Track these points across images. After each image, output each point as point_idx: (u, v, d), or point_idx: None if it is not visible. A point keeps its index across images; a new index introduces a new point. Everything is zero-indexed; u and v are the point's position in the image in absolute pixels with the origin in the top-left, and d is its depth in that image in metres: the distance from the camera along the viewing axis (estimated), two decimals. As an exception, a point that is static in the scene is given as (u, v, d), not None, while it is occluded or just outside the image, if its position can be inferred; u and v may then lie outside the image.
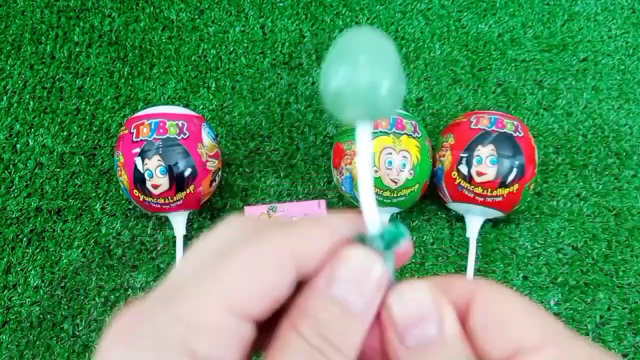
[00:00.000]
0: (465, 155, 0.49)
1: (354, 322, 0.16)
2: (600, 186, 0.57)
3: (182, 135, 0.47)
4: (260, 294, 0.15)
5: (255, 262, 0.16)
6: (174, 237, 0.52)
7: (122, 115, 0.59)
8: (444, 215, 0.55)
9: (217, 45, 0.63)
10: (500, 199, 0.48)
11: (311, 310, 0.16)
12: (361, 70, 0.16)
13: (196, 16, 0.65)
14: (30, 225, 0.54)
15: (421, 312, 0.16)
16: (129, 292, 0.51)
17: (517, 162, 0.48)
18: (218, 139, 0.56)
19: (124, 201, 0.55)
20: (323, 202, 0.52)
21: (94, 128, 0.59)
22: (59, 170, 0.56)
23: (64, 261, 0.53)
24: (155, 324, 0.15)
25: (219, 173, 0.52)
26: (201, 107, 0.60)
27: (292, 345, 0.16)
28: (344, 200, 0.56)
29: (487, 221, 0.55)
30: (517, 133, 0.49)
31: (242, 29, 0.64)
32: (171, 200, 0.48)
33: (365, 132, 0.17)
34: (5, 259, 0.53)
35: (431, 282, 0.17)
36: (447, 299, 0.17)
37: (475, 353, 0.17)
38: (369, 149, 0.17)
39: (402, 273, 0.53)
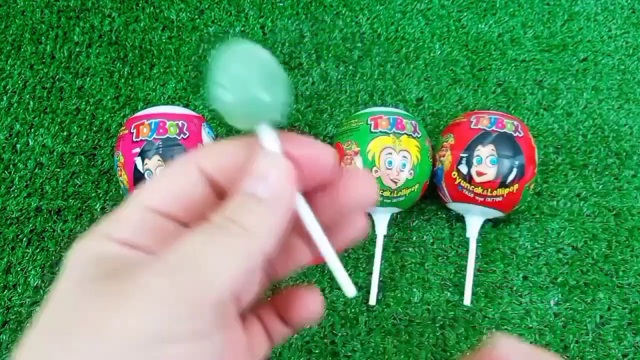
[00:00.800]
0: (465, 155, 0.49)
1: (260, 207, 0.18)
2: (600, 186, 0.57)
3: (182, 135, 0.47)
4: (171, 194, 0.20)
5: (161, 176, 0.20)
6: (174, 237, 0.52)
7: (122, 115, 0.59)
8: (444, 215, 0.55)
9: (217, 45, 0.63)
10: (500, 199, 0.48)
11: (223, 205, 0.19)
12: (237, 87, 0.19)
13: (196, 16, 0.65)
14: (30, 225, 0.54)
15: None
16: (129, 292, 0.51)
17: (517, 162, 0.48)
18: (218, 139, 0.56)
19: (124, 201, 0.55)
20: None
21: (94, 128, 0.59)
22: (59, 170, 0.56)
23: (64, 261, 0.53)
24: (94, 226, 0.20)
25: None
26: (201, 107, 0.60)
27: (196, 226, 0.18)
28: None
29: (487, 221, 0.55)
30: (517, 133, 0.49)
31: (242, 29, 0.64)
32: (171, 200, 0.48)
33: (266, 132, 0.20)
34: (5, 259, 0.53)
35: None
36: None
37: None
38: (276, 142, 0.20)
39: (403, 273, 0.53)
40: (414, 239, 0.54)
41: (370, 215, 0.53)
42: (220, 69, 0.19)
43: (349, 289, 0.21)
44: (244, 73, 0.19)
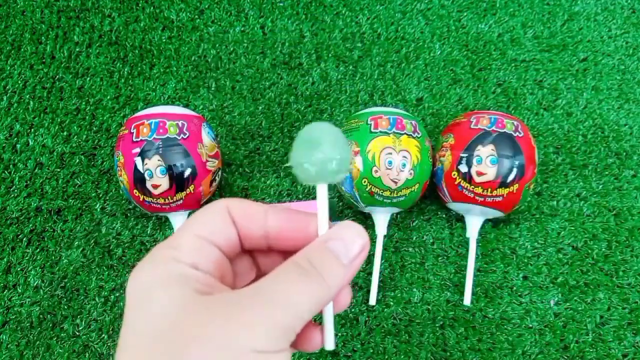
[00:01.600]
0: (465, 155, 0.49)
1: (339, 266, 0.23)
2: (600, 186, 0.57)
3: (182, 135, 0.47)
4: (215, 229, 0.23)
5: (205, 212, 0.24)
6: (174, 237, 0.52)
7: (122, 115, 0.59)
8: (444, 215, 0.55)
9: (217, 45, 0.63)
10: (500, 199, 0.48)
11: (307, 251, 0.23)
12: (318, 156, 0.24)
13: (196, 16, 0.65)
14: (30, 225, 0.54)
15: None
16: (129, 292, 0.51)
17: (517, 162, 0.48)
18: (218, 139, 0.56)
19: (124, 201, 0.55)
20: None
21: (94, 128, 0.59)
22: (59, 170, 0.56)
23: (64, 261, 0.53)
24: (154, 254, 0.23)
25: (219, 173, 0.52)
26: (201, 107, 0.60)
27: (285, 265, 0.22)
28: (344, 200, 0.56)
29: (487, 221, 0.55)
30: (517, 133, 0.49)
31: (242, 29, 0.64)
32: (171, 200, 0.48)
33: (323, 192, 0.25)
34: (5, 259, 0.53)
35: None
36: None
37: None
38: (326, 204, 0.25)
39: (403, 273, 0.53)
40: (414, 239, 0.54)
41: (370, 215, 0.53)
42: (300, 139, 0.25)
43: (329, 342, 0.26)
44: (318, 144, 0.25)
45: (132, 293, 0.21)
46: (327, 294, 0.22)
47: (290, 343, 0.21)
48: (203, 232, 0.23)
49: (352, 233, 0.23)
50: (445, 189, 0.51)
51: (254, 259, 0.27)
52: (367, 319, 0.51)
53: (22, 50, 0.63)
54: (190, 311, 0.20)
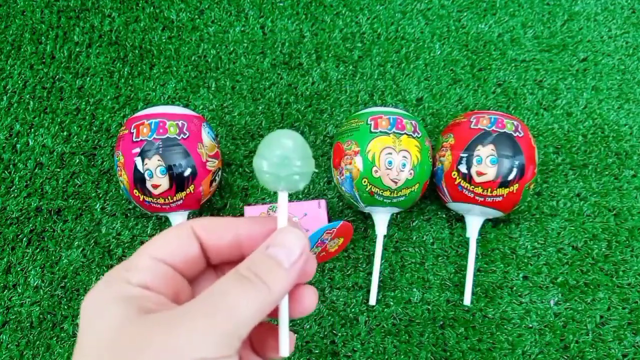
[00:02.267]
0: (465, 155, 0.49)
1: (280, 270, 0.23)
2: (600, 186, 0.57)
3: (182, 135, 0.47)
4: (173, 249, 0.24)
5: (164, 234, 0.25)
6: (174, 237, 0.52)
7: (122, 115, 0.59)
8: (444, 215, 0.55)
9: (217, 45, 0.63)
10: (500, 199, 0.48)
11: (248, 260, 0.24)
12: (279, 164, 0.25)
13: (196, 16, 0.65)
14: (30, 225, 0.54)
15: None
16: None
17: (517, 162, 0.48)
18: (218, 139, 0.56)
19: (124, 201, 0.55)
20: (323, 202, 0.52)
21: (94, 128, 0.59)
22: (59, 170, 0.56)
23: (64, 261, 0.53)
24: (109, 274, 0.24)
25: (219, 173, 0.52)
26: (201, 107, 0.60)
27: (227, 275, 0.23)
28: (344, 200, 0.56)
29: (487, 221, 0.55)
30: (517, 133, 0.49)
31: (242, 29, 0.64)
32: (171, 200, 0.48)
33: (284, 200, 0.26)
34: (5, 259, 0.53)
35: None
36: None
37: None
38: (286, 211, 0.26)
39: (403, 273, 0.53)
40: (414, 239, 0.54)
41: (370, 215, 0.53)
42: (264, 146, 0.26)
43: (284, 349, 0.25)
44: (281, 152, 0.25)
45: (83, 310, 0.23)
46: (269, 298, 0.23)
47: (236, 350, 0.22)
48: (158, 253, 0.24)
49: (292, 237, 0.24)
50: (445, 189, 0.51)
51: (224, 272, 0.27)
52: (367, 319, 0.51)
53: (22, 50, 0.63)
54: (134, 326, 0.21)
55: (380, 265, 0.52)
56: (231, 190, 0.56)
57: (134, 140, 0.47)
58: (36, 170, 0.56)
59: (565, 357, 0.49)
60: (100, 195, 0.55)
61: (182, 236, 0.25)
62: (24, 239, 0.53)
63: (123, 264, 0.24)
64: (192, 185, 0.48)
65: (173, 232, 0.25)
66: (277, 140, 0.26)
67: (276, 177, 0.25)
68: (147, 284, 0.23)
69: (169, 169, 0.46)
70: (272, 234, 0.25)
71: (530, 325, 0.51)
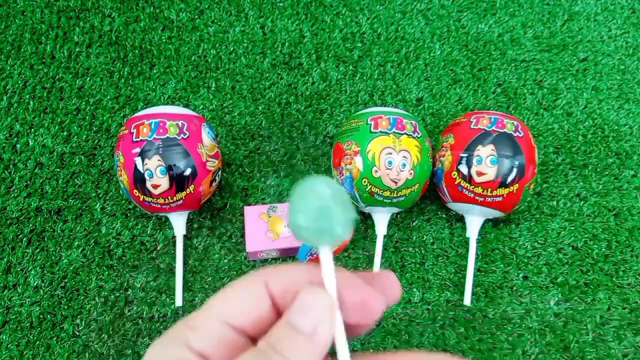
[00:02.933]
0: (465, 155, 0.49)
1: (300, 338, 0.21)
2: (600, 186, 0.57)
3: (182, 135, 0.47)
4: (244, 310, 0.22)
5: (236, 290, 0.22)
6: (174, 237, 0.52)
7: (122, 115, 0.59)
8: (444, 215, 0.55)
9: (217, 45, 0.63)
10: (500, 199, 0.48)
11: (270, 331, 0.21)
12: (319, 217, 0.22)
13: (196, 16, 0.65)
14: (30, 225, 0.54)
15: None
16: (128, 292, 0.51)
17: (517, 162, 0.48)
18: (218, 139, 0.56)
19: (124, 201, 0.55)
20: None
21: (94, 128, 0.59)
22: (59, 170, 0.56)
23: (64, 261, 0.53)
24: (170, 333, 0.21)
25: (219, 173, 0.52)
26: (201, 107, 0.60)
27: (246, 353, 0.21)
28: (344, 200, 0.56)
29: (487, 221, 0.55)
30: (517, 133, 0.49)
31: (242, 29, 0.64)
32: (171, 200, 0.48)
33: (327, 255, 0.23)
34: (5, 259, 0.52)
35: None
36: None
37: None
38: (332, 267, 0.22)
39: (403, 273, 0.53)
40: (414, 239, 0.54)
41: (370, 215, 0.53)
42: (298, 198, 0.23)
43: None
44: (319, 203, 0.22)
45: None
46: None
47: None
48: (228, 315, 0.22)
49: (312, 299, 0.21)
50: (445, 189, 0.51)
51: None
52: (367, 319, 0.51)
53: (22, 50, 0.63)
54: None
55: (380, 265, 0.52)
56: (231, 190, 0.56)
57: (134, 140, 0.47)
58: (36, 170, 0.56)
59: (565, 357, 0.49)
60: (100, 195, 0.55)
61: (255, 293, 0.22)
62: (24, 239, 0.53)
63: (188, 320, 0.22)
64: (192, 185, 0.48)
65: (245, 288, 0.22)
66: (311, 189, 0.23)
67: (316, 232, 0.22)
68: (208, 352, 0.21)
69: (169, 169, 0.46)
70: (297, 296, 0.22)
71: (530, 325, 0.51)
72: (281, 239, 0.50)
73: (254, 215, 0.52)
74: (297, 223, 0.22)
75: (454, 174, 0.49)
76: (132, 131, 0.47)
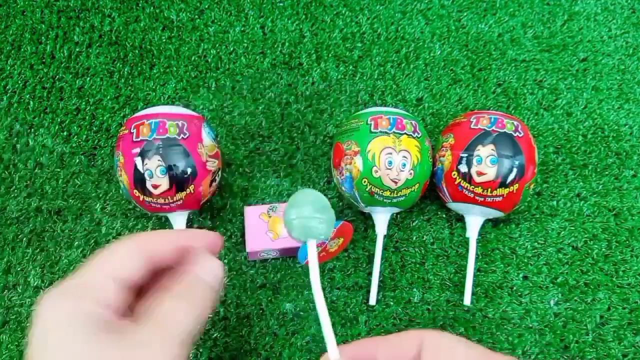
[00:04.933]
0: (465, 155, 0.49)
1: (208, 289, 0.29)
2: (600, 186, 0.57)
3: (182, 135, 0.47)
4: (124, 267, 0.27)
5: (114, 251, 0.28)
6: (174, 237, 0.52)
7: (122, 115, 0.59)
8: (444, 215, 0.55)
9: (217, 45, 0.63)
10: (500, 199, 0.48)
11: (179, 279, 0.28)
12: (306, 220, 0.32)
13: (196, 16, 0.65)
14: (30, 225, 0.54)
15: None
16: (129, 292, 0.51)
17: (517, 162, 0.48)
18: (218, 139, 0.56)
19: (124, 201, 0.55)
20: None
21: (94, 128, 0.59)
22: (59, 170, 0.56)
23: (64, 261, 0.53)
24: (63, 288, 0.26)
25: (219, 173, 0.52)
26: (201, 107, 0.60)
27: (165, 294, 0.27)
28: (343, 200, 0.56)
29: (487, 221, 0.55)
30: (517, 133, 0.49)
31: (242, 29, 0.64)
32: (171, 200, 0.48)
33: (313, 247, 0.32)
34: (5, 259, 0.53)
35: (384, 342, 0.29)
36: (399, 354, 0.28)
37: None
38: (315, 255, 0.32)
39: (403, 273, 0.53)
40: (414, 239, 0.54)
41: (370, 215, 0.53)
42: (292, 203, 0.33)
43: (333, 354, 0.28)
44: (305, 207, 0.32)
45: (38, 324, 0.24)
46: (201, 312, 0.28)
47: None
48: (113, 272, 0.26)
49: (213, 264, 0.30)
50: (445, 189, 0.51)
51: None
52: (367, 319, 0.51)
53: (22, 50, 0.63)
54: (90, 345, 0.23)
55: (380, 265, 0.52)
56: (231, 190, 0.56)
57: (134, 140, 0.47)
58: (36, 170, 0.56)
59: (565, 357, 0.49)
60: (100, 196, 0.55)
61: (131, 253, 0.27)
62: (24, 239, 0.53)
63: (78, 280, 0.26)
64: (192, 186, 0.48)
65: (122, 249, 0.27)
66: (302, 196, 0.33)
67: (303, 225, 0.32)
68: (102, 301, 0.25)
69: (169, 169, 0.46)
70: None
71: (531, 325, 0.51)
72: (281, 239, 0.50)
73: (254, 215, 0.52)
74: (289, 217, 0.32)
75: (454, 174, 0.49)
76: (132, 131, 0.47)
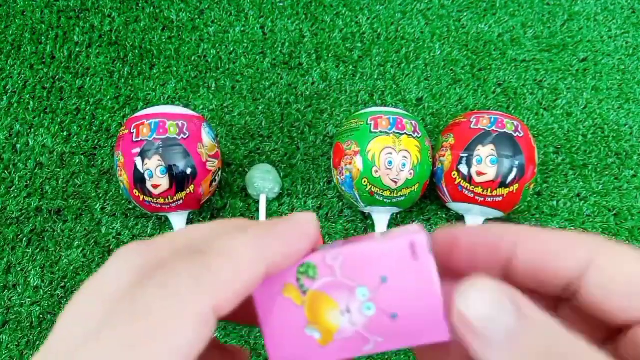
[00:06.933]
0: (465, 155, 0.49)
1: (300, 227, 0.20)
2: (600, 186, 0.57)
3: (182, 135, 0.47)
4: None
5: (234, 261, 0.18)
6: (174, 237, 0.52)
7: (122, 115, 0.59)
8: (444, 215, 0.55)
9: (217, 45, 0.63)
10: (500, 199, 0.48)
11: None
12: (259, 184, 0.51)
13: (196, 16, 0.65)
14: (30, 225, 0.54)
15: (492, 309, 0.16)
16: (129, 292, 0.51)
17: (517, 162, 0.48)
18: (218, 139, 0.56)
19: (124, 201, 0.55)
20: (421, 238, 0.20)
21: (94, 128, 0.59)
22: (59, 170, 0.56)
23: (64, 261, 0.53)
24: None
25: (219, 173, 0.52)
26: (201, 107, 0.60)
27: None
28: (343, 200, 0.56)
29: (487, 221, 0.55)
30: (517, 133, 0.49)
31: (242, 29, 0.64)
32: (171, 200, 0.48)
33: (263, 200, 0.49)
34: (5, 259, 0.53)
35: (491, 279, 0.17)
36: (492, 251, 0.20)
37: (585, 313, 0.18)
38: (264, 207, 0.48)
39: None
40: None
41: (370, 215, 0.53)
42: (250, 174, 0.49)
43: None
44: (256, 174, 0.51)
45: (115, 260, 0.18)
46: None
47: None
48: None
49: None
50: (445, 189, 0.51)
51: None
52: (367, 319, 0.51)
53: (22, 50, 0.63)
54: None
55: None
56: (231, 190, 0.56)
57: (134, 140, 0.47)
58: (36, 170, 0.56)
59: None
60: (100, 195, 0.55)
61: (255, 266, 0.18)
62: (24, 239, 0.53)
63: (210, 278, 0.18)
64: (192, 185, 0.48)
65: (246, 256, 0.18)
66: (260, 167, 0.51)
67: (260, 185, 0.50)
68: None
69: (169, 169, 0.46)
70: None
71: (530, 325, 0.50)
72: (337, 341, 0.20)
73: (271, 296, 0.20)
74: (250, 180, 0.47)
75: (454, 174, 0.49)
76: (132, 131, 0.47)
